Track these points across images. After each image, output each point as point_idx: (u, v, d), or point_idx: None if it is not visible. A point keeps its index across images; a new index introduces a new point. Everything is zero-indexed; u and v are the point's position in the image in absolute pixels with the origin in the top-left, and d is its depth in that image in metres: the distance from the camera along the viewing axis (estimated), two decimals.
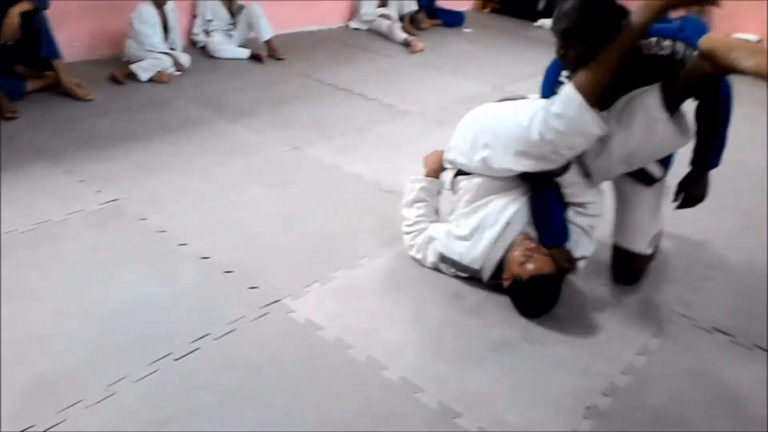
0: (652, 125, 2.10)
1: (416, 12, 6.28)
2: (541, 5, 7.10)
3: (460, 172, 2.45)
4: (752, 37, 6.07)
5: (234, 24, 4.97)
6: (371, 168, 3.31)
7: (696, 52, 1.98)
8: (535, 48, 6.06)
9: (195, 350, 1.99)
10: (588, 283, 2.50)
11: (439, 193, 2.61)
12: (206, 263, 2.42)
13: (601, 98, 2.07)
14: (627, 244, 2.44)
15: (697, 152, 2.29)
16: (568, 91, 2.05)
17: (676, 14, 6.12)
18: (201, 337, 2.04)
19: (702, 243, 2.89)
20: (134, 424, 1.71)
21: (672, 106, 2.09)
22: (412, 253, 2.52)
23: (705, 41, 1.94)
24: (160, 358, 1.93)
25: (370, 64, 5.17)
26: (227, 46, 4.88)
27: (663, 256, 2.71)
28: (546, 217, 2.29)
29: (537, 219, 2.31)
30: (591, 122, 2.04)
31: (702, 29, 5.97)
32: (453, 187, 2.50)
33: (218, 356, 1.98)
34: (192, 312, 2.16)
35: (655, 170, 2.32)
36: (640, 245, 2.43)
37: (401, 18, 6.15)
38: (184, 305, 2.19)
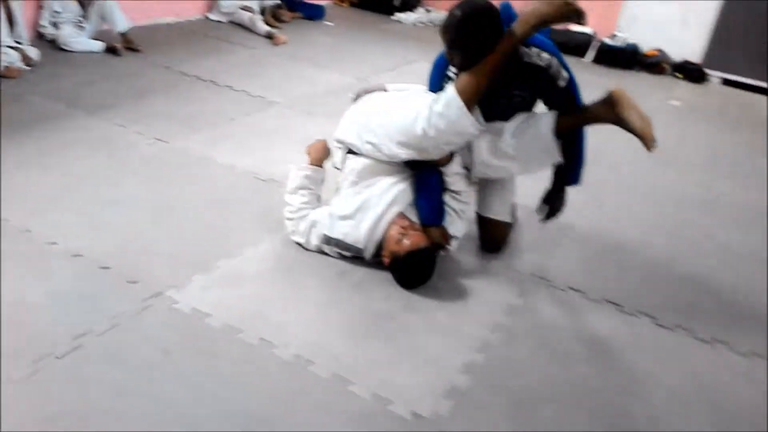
0: (538, 141, 2.39)
1: (277, 5, 6.28)
2: (397, 1, 7.35)
3: (349, 152, 2.56)
4: (587, 29, 6.66)
5: (85, 16, 4.72)
6: (245, 158, 3.32)
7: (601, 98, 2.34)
8: (393, 41, 6.29)
9: (77, 347, 1.93)
10: (461, 256, 2.70)
11: (322, 181, 2.68)
12: (80, 261, 2.34)
13: (480, 98, 2.28)
14: (493, 215, 2.68)
15: (560, 171, 2.60)
16: (450, 93, 2.24)
17: (519, 8, 6.62)
18: (83, 335, 1.98)
19: None
20: (19, 425, 1.65)
21: (559, 134, 2.39)
22: (296, 238, 2.58)
23: (617, 93, 2.30)
24: (41, 358, 1.87)
25: (234, 56, 5.13)
26: (79, 39, 4.63)
27: (519, 227, 2.97)
28: (427, 197, 2.47)
29: (419, 199, 2.48)
30: (468, 124, 2.26)
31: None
32: (341, 165, 2.61)
33: (104, 352, 1.94)
34: (70, 310, 2.09)
35: None
36: (504, 214, 2.69)
37: (262, 11, 6.13)
38: (62, 304, 2.11)
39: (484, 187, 2.69)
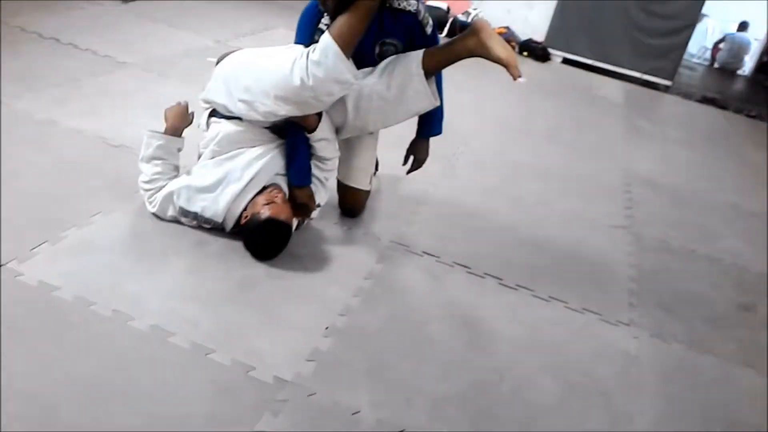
0: (409, 79, 2.40)
1: None
2: None
3: (214, 112, 2.48)
4: (442, 4, 6.90)
5: None
6: (93, 122, 3.13)
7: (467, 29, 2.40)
8: (256, 5, 6.13)
9: None
10: (322, 224, 2.75)
11: (179, 150, 2.57)
12: None
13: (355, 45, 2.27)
14: (353, 183, 2.76)
15: (422, 123, 2.76)
16: (326, 39, 2.20)
17: None
18: None
19: (408, 183, 3.32)
20: None
21: (429, 72, 2.42)
22: (151, 208, 2.49)
23: (478, 22, 2.38)
24: None
25: (80, 12, 4.76)
26: None
27: (379, 195, 3.08)
28: (296, 159, 2.48)
29: (288, 162, 2.48)
30: (346, 70, 2.23)
31: None
32: (207, 127, 2.54)
33: None
34: None
35: None
36: (363, 182, 2.78)
37: None
38: None
39: (350, 154, 2.74)
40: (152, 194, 2.47)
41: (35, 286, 2.03)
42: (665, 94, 6.75)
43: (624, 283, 2.87)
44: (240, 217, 2.40)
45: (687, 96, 6.87)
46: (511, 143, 4.27)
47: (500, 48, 2.34)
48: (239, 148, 2.44)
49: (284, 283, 2.33)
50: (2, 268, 2.07)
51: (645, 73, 6.75)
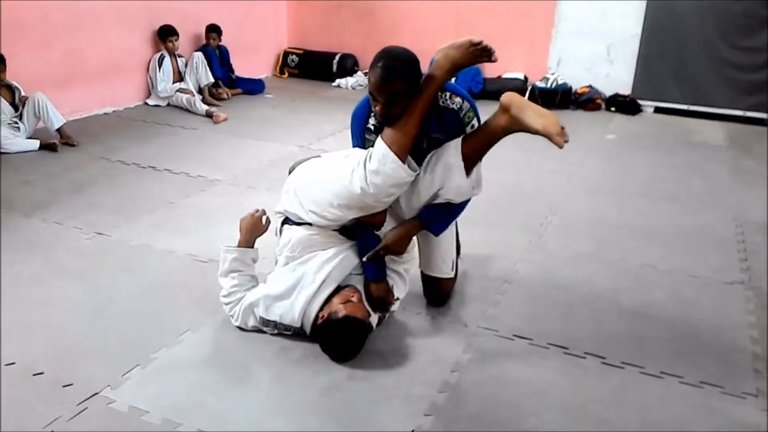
0: (449, 170, 2.36)
1: (215, 83, 6.37)
2: (334, 67, 7.50)
3: (287, 220, 2.53)
4: (519, 74, 6.88)
5: (20, 116, 4.72)
6: (184, 242, 3.30)
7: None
8: (333, 106, 6.39)
9: None
10: (405, 316, 2.69)
11: (254, 261, 2.63)
12: (12, 369, 2.26)
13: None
14: (435, 273, 2.71)
15: (426, 216, 2.48)
16: (381, 148, 2.25)
17: None
18: None
19: (494, 261, 3.22)
20: None
21: (470, 158, 2.37)
22: (234, 321, 2.54)
23: (505, 97, 2.29)
24: None
25: (174, 138, 5.15)
26: (15, 140, 4.61)
27: (464, 277, 2.99)
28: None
29: (361, 261, 2.47)
30: (405, 175, 2.27)
31: (476, 72, 6.80)
32: (279, 234, 2.58)
33: None
34: (2, 421, 2.01)
35: None
36: (445, 270, 2.71)
37: (200, 90, 6.20)
38: None
39: (428, 243, 2.69)
40: (232, 307, 2.53)
41: (125, 412, 2.09)
42: None
43: (746, 347, 2.56)
44: (317, 318, 2.38)
45: None
46: (605, 205, 4.06)
47: (535, 118, 2.23)
48: (311, 252, 2.45)
49: (368, 385, 2.26)
50: (96, 396, 2.14)
51: (745, 110, 6.31)
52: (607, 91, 6.74)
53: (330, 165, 2.47)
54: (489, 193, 3.84)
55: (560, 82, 6.67)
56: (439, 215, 2.49)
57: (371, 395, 2.21)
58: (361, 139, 2.49)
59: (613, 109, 6.61)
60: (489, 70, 7.00)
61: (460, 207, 2.51)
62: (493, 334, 2.61)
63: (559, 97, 6.59)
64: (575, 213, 3.91)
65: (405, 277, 2.61)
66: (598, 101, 6.65)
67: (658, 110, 6.62)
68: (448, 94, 2.41)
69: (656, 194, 4.29)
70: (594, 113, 6.55)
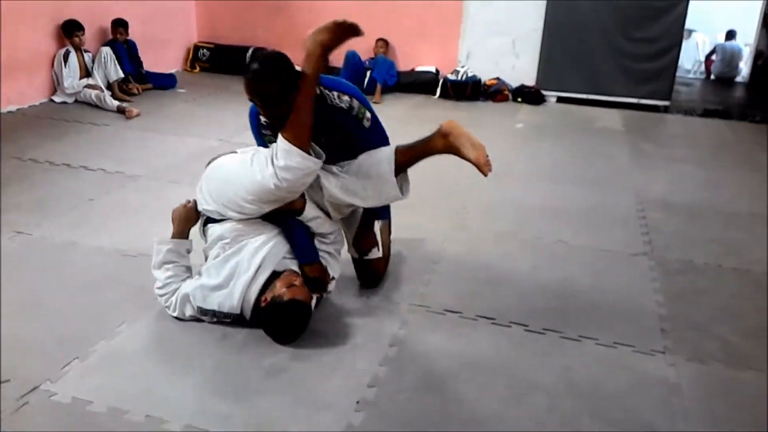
0: (383, 185, 2.56)
1: (124, 79, 6.19)
2: (248, 59, 7.44)
3: (209, 219, 2.56)
4: (431, 68, 7.10)
5: None
6: (111, 237, 3.25)
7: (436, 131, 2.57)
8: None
9: None
10: (341, 298, 2.78)
11: (188, 251, 2.64)
12: None
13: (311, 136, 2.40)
14: (367, 256, 2.82)
15: (380, 208, 2.79)
16: (284, 145, 2.33)
17: (367, 56, 6.94)
18: None
19: (422, 243, 3.37)
20: None
21: (402, 167, 2.58)
22: (170, 312, 2.55)
23: (446, 125, 2.53)
24: None
25: (86, 135, 4.99)
26: None
27: (394, 260, 3.11)
28: (295, 241, 2.54)
29: (291, 246, 2.54)
30: (312, 164, 2.37)
31: (390, 66, 6.93)
32: (203, 235, 2.60)
33: None
34: None
35: None
36: (375, 253, 2.83)
37: (109, 86, 6.02)
38: None
39: (349, 228, 2.81)
40: (168, 298, 2.54)
41: (69, 403, 2.08)
42: (665, 114, 6.78)
43: (653, 310, 2.83)
44: (258, 302, 2.43)
45: (688, 112, 6.89)
46: (518, 188, 4.31)
47: (469, 148, 2.47)
48: (242, 241, 2.48)
49: (311, 363, 2.34)
50: (36, 390, 2.12)
51: (641, 97, 6.81)
52: (514, 83, 7.07)
53: (236, 164, 2.50)
54: (414, 181, 3.96)
55: (470, 74, 6.93)
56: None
57: (315, 373, 2.30)
58: (259, 135, 2.62)
59: (519, 99, 6.94)
60: (403, 64, 7.18)
61: None
62: (425, 310, 2.75)
63: (469, 89, 6.84)
64: (491, 197, 4.13)
65: (336, 257, 2.70)
66: (506, 92, 6.96)
67: (560, 100, 7.01)
68: (336, 93, 2.52)
69: (563, 177, 4.58)
70: (502, 104, 6.85)
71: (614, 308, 2.84)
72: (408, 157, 2.59)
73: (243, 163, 2.46)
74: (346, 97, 2.54)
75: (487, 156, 2.47)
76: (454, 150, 2.51)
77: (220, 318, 2.50)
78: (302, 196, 2.53)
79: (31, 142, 4.71)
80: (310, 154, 2.36)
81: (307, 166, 2.36)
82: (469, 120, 6.01)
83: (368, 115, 2.59)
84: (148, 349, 2.40)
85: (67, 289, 2.76)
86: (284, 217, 2.53)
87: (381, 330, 2.58)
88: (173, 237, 2.62)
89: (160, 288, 2.57)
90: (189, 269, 2.63)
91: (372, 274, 2.89)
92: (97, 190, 3.88)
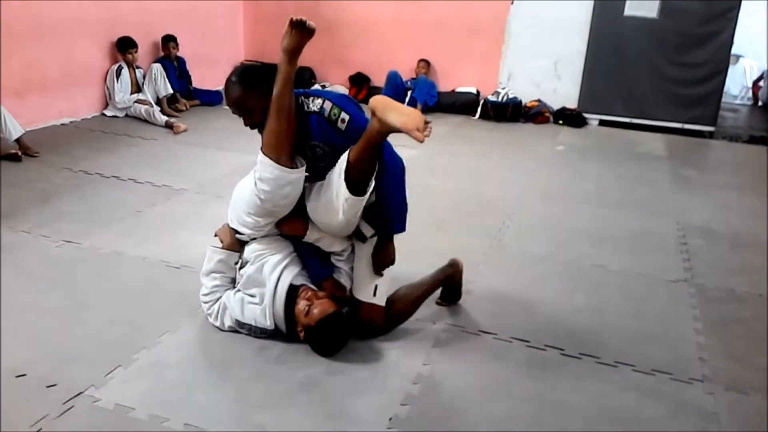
0: (337, 188, 2.37)
1: (172, 95, 6.39)
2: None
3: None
4: (471, 89, 7.14)
5: None
6: (155, 248, 3.35)
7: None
8: None
9: None
10: None
11: (237, 264, 2.68)
12: None
13: (292, 144, 2.40)
14: (355, 293, 2.63)
15: (378, 223, 2.53)
16: (259, 155, 2.40)
17: (408, 76, 7.03)
18: None
19: None
20: None
21: (357, 165, 2.31)
22: (211, 320, 2.63)
23: (372, 100, 2.31)
24: None
25: (135, 149, 5.17)
26: None
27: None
28: (305, 259, 2.58)
29: (305, 263, 2.59)
30: (286, 174, 2.38)
31: (431, 86, 7.00)
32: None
33: None
34: None
35: (366, 229, 2.56)
36: (364, 294, 2.59)
37: (158, 101, 6.22)
38: None
39: (355, 262, 2.65)
40: (210, 305, 2.62)
41: (111, 409, 2.15)
42: (710, 140, 6.67)
43: (691, 338, 2.79)
44: (294, 323, 2.49)
45: (733, 139, 6.77)
46: (558, 211, 4.29)
47: (395, 116, 2.22)
48: (262, 259, 2.55)
49: (345, 378, 2.38)
50: (81, 395, 2.20)
51: (685, 122, 6.72)
52: (555, 105, 7.06)
53: (246, 180, 2.59)
54: (450, 200, 4.03)
55: (510, 96, 6.95)
56: (387, 216, 2.52)
57: (349, 388, 2.33)
58: None
59: (560, 122, 6.92)
60: (443, 85, 7.23)
61: (396, 196, 2.50)
62: (460, 330, 2.76)
63: (509, 111, 6.85)
64: (530, 218, 4.13)
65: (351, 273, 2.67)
66: (547, 114, 6.95)
67: (602, 123, 6.96)
68: (311, 98, 2.46)
69: (604, 201, 4.55)
70: (543, 126, 6.83)
71: (652, 335, 2.81)
72: (357, 152, 2.32)
73: (247, 179, 2.54)
74: (318, 100, 2.43)
75: (427, 123, 2.24)
76: (385, 125, 2.23)
77: (256, 333, 2.56)
78: (303, 218, 2.53)
79: (82, 153, 4.90)
80: (291, 164, 2.37)
81: (280, 177, 2.36)
82: (508, 141, 6.04)
83: (344, 116, 2.40)
84: (188, 358, 2.47)
85: (112, 298, 2.86)
86: (290, 238, 2.58)
87: (415, 348, 2.60)
88: (225, 248, 2.67)
89: (205, 295, 2.65)
90: (233, 281, 2.69)
91: (359, 318, 2.59)
92: (144, 203, 4.01)
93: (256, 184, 2.40)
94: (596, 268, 3.45)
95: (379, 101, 2.28)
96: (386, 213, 2.52)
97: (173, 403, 2.19)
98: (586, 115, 6.95)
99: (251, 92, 2.40)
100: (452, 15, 7.11)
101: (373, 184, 2.40)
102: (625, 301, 3.11)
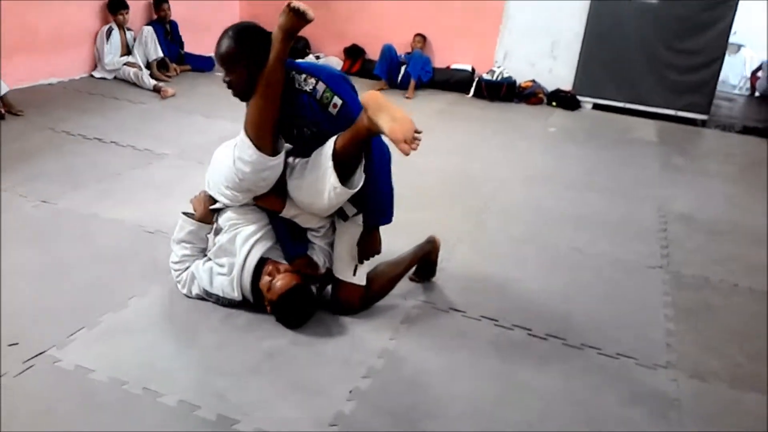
0: (324, 173, 2.30)
1: (163, 59, 6.31)
2: None
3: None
4: (467, 66, 7.07)
5: None
6: (133, 212, 3.33)
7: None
8: None
9: None
10: None
11: (207, 235, 2.68)
12: None
13: (276, 125, 2.34)
14: (335, 272, 2.60)
15: (364, 213, 2.49)
16: (241, 135, 2.33)
17: (403, 50, 6.94)
18: None
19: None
20: None
21: (344, 155, 2.27)
22: (180, 288, 2.62)
23: (365, 96, 2.21)
24: None
25: (121, 112, 5.12)
26: None
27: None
28: (280, 236, 2.54)
29: (277, 239, 2.55)
30: (265, 161, 2.32)
31: (426, 62, 6.92)
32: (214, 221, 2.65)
33: None
34: None
35: (348, 209, 2.51)
36: (343, 273, 2.58)
37: (148, 65, 6.14)
38: None
39: (334, 242, 2.63)
40: (179, 274, 2.61)
41: (72, 370, 2.15)
42: (702, 128, 6.63)
43: (661, 325, 2.79)
44: (255, 292, 2.49)
45: (726, 128, 6.73)
46: (542, 193, 4.27)
47: (385, 121, 2.14)
48: (236, 229, 2.53)
49: (309, 350, 2.38)
50: (42, 355, 2.19)
51: (679, 110, 6.67)
52: (549, 87, 7.00)
53: (226, 149, 2.54)
54: (436, 178, 4.00)
55: (505, 75, 6.88)
56: (373, 207, 2.48)
57: (312, 359, 2.33)
58: None
59: (554, 103, 6.86)
60: (439, 61, 7.16)
61: (382, 186, 2.47)
62: (430, 306, 2.76)
63: (504, 90, 6.79)
64: (514, 199, 4.11)
65: (329, 249, 2.63)
66: (540, 96, 6.90)
67: (596, 107, 6.91)
68: (304, 76, 2.35)
69: (589, 185, 4.52)
70: (536, 107, 6.78)
71: (621, 319, 2.81)
72: (344, 143, 2.27)
73: (229, 148, 2.48)
74: (312, 80, 2.33)
75: (417, 132, 2.17)
76: (373, 126, 2.17)
77: (223, 303, 2.55)
78: (281, 194, 2.47)
79: (66, 114, 4.85)
80: (272, 147, 2.32)
81: (259, 161, 2.31)
82: (500, 121, 6.00)
83: (336, 100, 2.31)
84: (153, 324, 2.46)
85: (84, 260, 2.85)
86: (268, 212, 2.54)
87: (382, 323, 2.59)
88: (197, 219, 2.64)
89: (175, 263, 2.64)
90: (203, 251, 2.68)
91: (336, 298, 2.61)
92: (124, 166, 3.98)
93: (235, 162, 2.35)
94: (574, 251, 3.44)
95: (372, 99, 2.19)
96: (372, 203, 2.48)
97: (134, 367, 2.19)
98: (580, 98, 6.90)
99: (243, 50, 2.29)
100: None
101: (363, 177, 2.34)
102: (598, 285, 3.10)
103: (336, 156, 2.27)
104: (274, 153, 2.35)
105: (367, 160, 2.37)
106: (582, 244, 3.53)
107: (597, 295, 3.01)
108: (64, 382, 2.09)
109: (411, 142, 2.14)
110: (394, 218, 2.59)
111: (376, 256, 2.63)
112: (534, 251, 3.40)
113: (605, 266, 3.31)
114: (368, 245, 2.55)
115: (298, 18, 2.23)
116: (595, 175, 4.79)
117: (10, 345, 2.23)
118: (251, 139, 2.31)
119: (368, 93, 2.24)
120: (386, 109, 2.17)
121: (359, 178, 2.34)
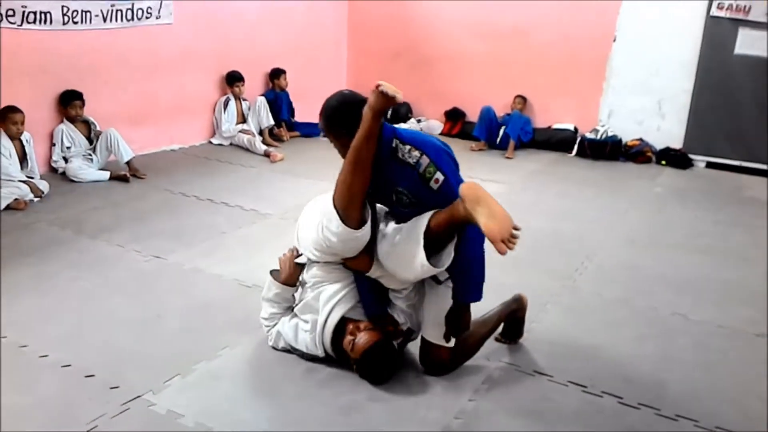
0: (414, 248, 2.32)
1: (274, 126, 6.74)
2: (389, 113, 7.79)
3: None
4: (569, 125, 6.99)
5: (93, 149, 5.16)
6: (232, 268, 3.54)
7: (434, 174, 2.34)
8: None
9: None
10: None
11: (292, 297, 2.76)
12: (67, 371, 2.52)
13: (364, 197, 2.35)
14: (424, 335, 2.62)
15: (455, 288, 2.48)
16: (329, 206, 2.38)
17: (503, 111, 6.96)
18: None
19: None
20: None
21: (436, 234, 2.31)
22: (268, 341, 2.75)
23: (464, 187, 2.23)
24: None
25: (233, 175, 5.49)
26: (87, 170, 5.03)
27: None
28: (363, 293, 2.59)
29: (360, 297, 2.60)
30: (351, 234, 2.35)
31: (526, 122, 6.90)
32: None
33: None
34: (50, 416, 2.25)
35: (441, 273, 2.49)
36: (434, 335, 2.57)
37: (261, 132, 6.58)
38: (42, 411, 2.27)
39: (424, 305, 2.64)
40: (269, 329, 2.75)
41: (164, 414, 2.30)
42: None
43: (764, 397, 2.57)
44: (337, 350, 2.56)
45: None
46: (641, 255, 4.10)
47: (483, 216, 2.14)
48: (320, 287, 2.61)
49: (386, 406, 2.40)
50: (138, 399, 2.36)
51: None
52: (658, 145, 6.76)
53: (316, 210, 2.61)
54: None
55: (610, 134, 6.74)
56: (464, 284, 2.46)
57: (388, 416, 2.35)
58: None
59: (663, 162, 6.61)
60: (540, 120, 7.14)
61: (474, 264, 2.45)
62: (514, 369, 2.71)
63: (608, 149, 6.65)
64: (611, 261, 3.96)
65: (409, 311, 2.64)
66: (649, 154, 6.68)
67: (710, 165, 6.59)
68: (408, 147, 2.37)
69: (696, 247, 4.29)
70: (643, 166, 6.56)
71: (722, 390, 2.62)
72: (438, 221, 2.31)
73: (318, 209, 2.58)
74: (416, 153, 2.35)
75: (514, 229, 2.15)
76: (471, 218, 2.17)
77: (307, 357, 2.65)
78: (369, 255, 2.49)
79: (183, 178, 5.27)
80: (359, 219, 2.34)
81: (345, 234, 2.34)
82: (603, 180, 5.86)
83: (438, 176, 2.33)
84: (241, 374, 2.58)
85: (183, 311, 3.05)
86: (353, 272, 2.59)
87: (463, 383, 2.57)
88: (282, 281, 2.74)
89: (264, 318, 2.78)
90: (291, 308, 2.78)
91: (429, 359, 2.61)
92: (231, 225, 4.25)
93: (322, 230, 2.42)
94: (674, 316, 3.26)
95: (470, 191, 2.20)
96: (463, 280, 2.46)
97: (219, 415, 2.30)
98: (692, 156, 6.61)
99: (332, 122, 2.43)
100: (551, 51, 7.03)
101: (451, 255, 2.36)
102: (698, 352, 2.92)
103: (428, 233, 2.31)
104: (361, 223, 2.38)
105: (460, 239, 2.39)
106: (683, 308, 3.34)
107: (696, 362, 2.83)
108: (155, 425, 2.24)
109: (509, 241, 2.12)
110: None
111: None
112: (629, 315, 3.26)
113: (707, 332, 3.11)
114: (457, 323, 2.52)
115: (386, 99, 2.22)
116: (702, 236, 4.54)
117: (112, 388, 2.42)
118: (338, 211, 2.35)
119: (467, 184, 2.25)
120: (484, 202, 2.17)
121: (448, 256, 2.36)
